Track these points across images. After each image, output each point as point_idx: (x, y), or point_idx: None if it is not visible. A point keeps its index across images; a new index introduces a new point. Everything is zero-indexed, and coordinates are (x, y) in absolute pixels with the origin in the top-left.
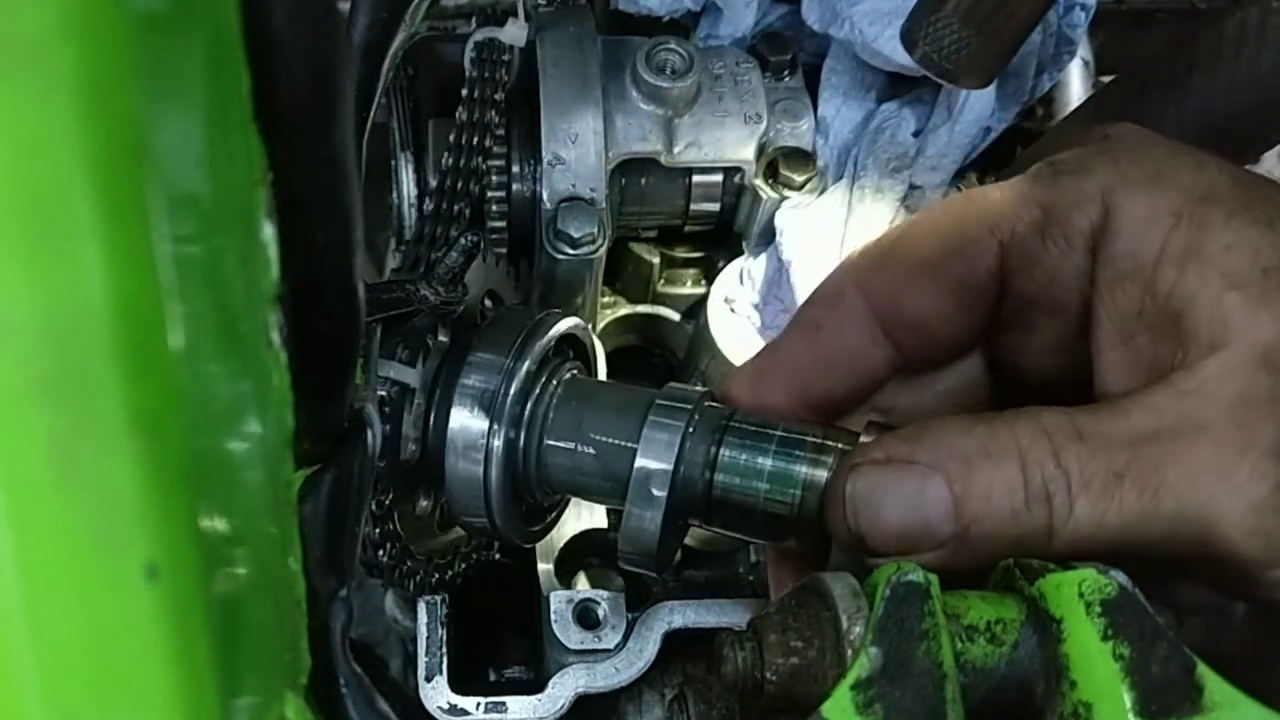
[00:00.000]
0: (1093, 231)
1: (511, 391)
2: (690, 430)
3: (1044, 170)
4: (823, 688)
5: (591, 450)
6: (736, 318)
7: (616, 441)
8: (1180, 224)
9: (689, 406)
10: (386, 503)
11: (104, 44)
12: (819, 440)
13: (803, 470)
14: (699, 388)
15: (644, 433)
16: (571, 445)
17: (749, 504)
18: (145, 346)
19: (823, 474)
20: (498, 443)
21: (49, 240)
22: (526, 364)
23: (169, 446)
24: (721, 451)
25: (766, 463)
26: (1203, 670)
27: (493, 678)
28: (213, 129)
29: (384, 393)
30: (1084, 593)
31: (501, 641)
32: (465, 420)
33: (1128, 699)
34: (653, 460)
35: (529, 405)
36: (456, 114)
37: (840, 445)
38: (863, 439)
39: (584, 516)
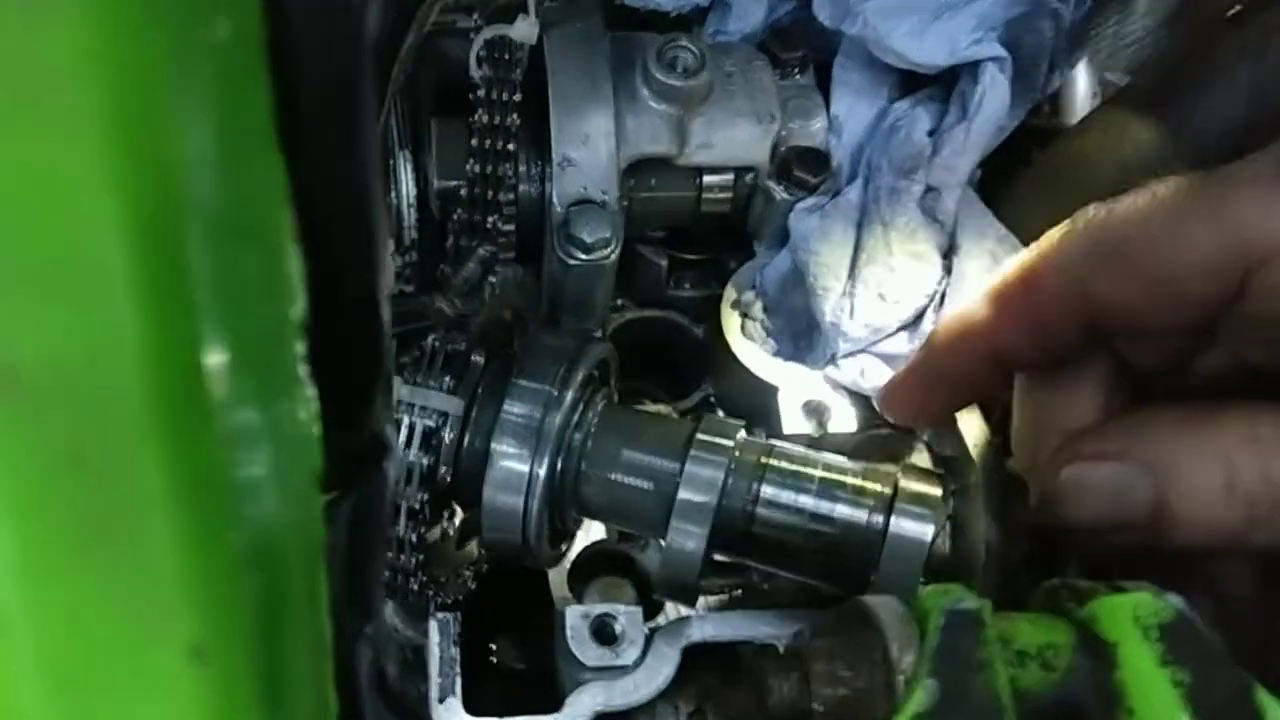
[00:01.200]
0: None
1: (557, 422)
2: (732, 466)
3: None
4: (872, 718)
5: (631, 481)
6: (749, 321)
7: (658, 474)
8: None
9: (731, 441)
10: (424, 532)
11: (139, 73)
12: (859, 481)
13: (843, 510)
14: (738, 421)
15: (686, 467)
16: (612, 475)
17: (788, 541)
18: (183, 407)
19: (863, 514)
20: (540, 472)
21: (75, 295)
22: (571, 393)
23: (214, 514)
24: (763, 489)
25: (808, 502)
26: (1262, 695)
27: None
28: (238, 152)
29: (430, 423)
30: (1139, 616)
31: (510, 644)
32: (508, 450)
33: None
34: (695, 494)
35: (569, 433)
36: (477, 116)
37: (879, 486)
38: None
39: (594, 528)
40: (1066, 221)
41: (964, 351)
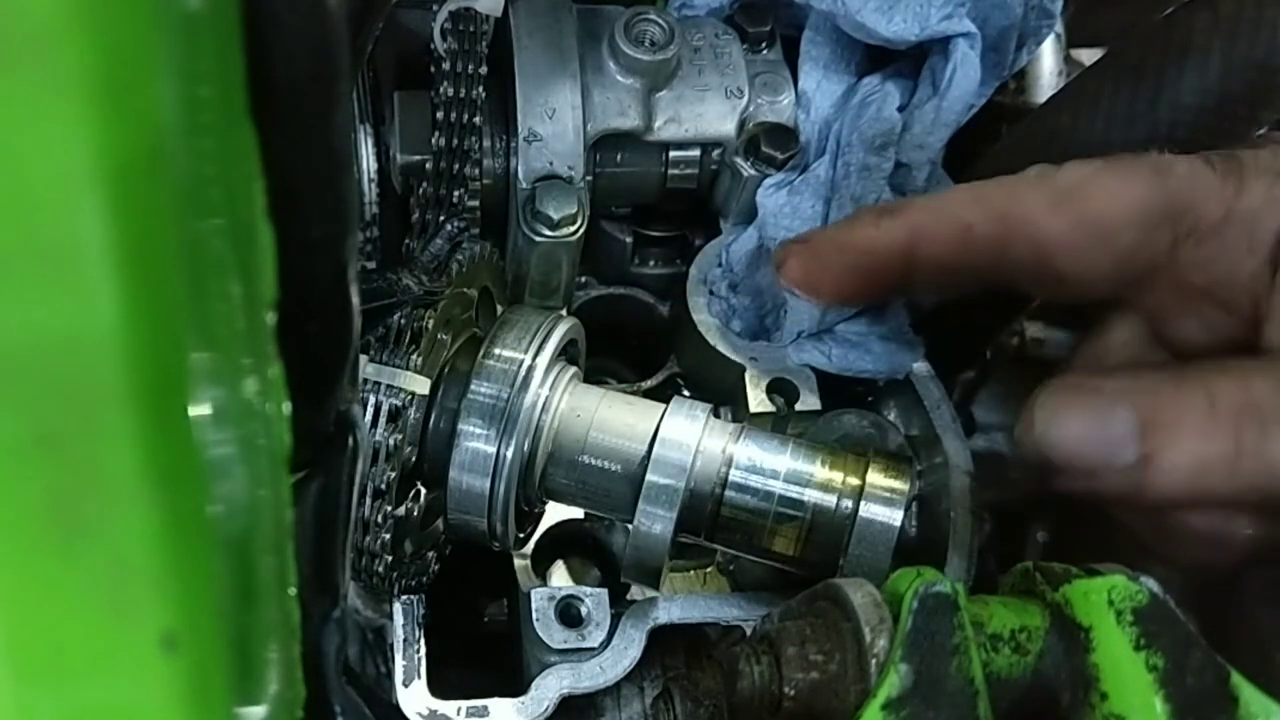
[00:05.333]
0: (1275, 241)
1: (524, 402)
2: (700, 449)
3: (1230, 164)
4: (844, 703)
5: (599, 463)
6: (716, 299)
7: (626, 456)
8: None
9: (699, 424)
10: (389, 513)
11: (120, 34)
12: (827, 465)
13: (812, 495)
14: (706, 403)
15: (655, 450)
16: (579, 457)
17: (756, 525)
18: (158, 387)
19: (831, 499)
20: (508, 454)
21: (50, 265)
22: (540, 372)
23: (187, 498)
24: (731, 473)
25: (777, 486)
26: (1237, 680)
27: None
28: (212, 123)
29: (396, 401)
30: (1114, 600)
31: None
32: (475, 430)
33: (1162, 711)
34: (663, 477)
35: (537, 413)
36: (441, 89)
37: (848, 471)
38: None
39: (559, 507)
40: (1026, 173)
41: (882, 239)
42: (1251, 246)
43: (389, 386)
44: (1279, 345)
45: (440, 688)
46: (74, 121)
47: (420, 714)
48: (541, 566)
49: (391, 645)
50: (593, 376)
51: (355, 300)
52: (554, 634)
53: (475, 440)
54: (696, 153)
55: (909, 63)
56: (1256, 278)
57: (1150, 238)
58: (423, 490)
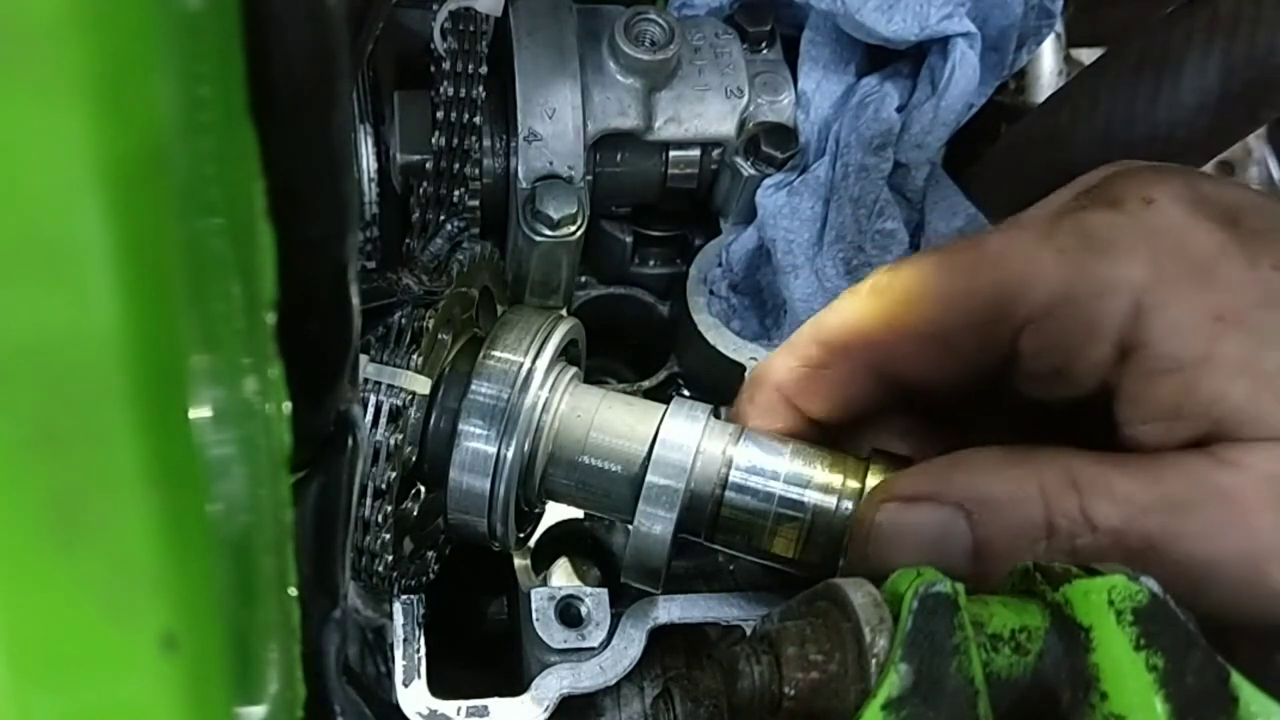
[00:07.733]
0: (1121, 327)
1: (525, 402)
2: (701, 450)
3: (1070, 236)
4: (844, 703)
5: (599, 464)
6: (716, 299)
7: (626, 457)
8: (1228, 331)
9: (699, 424)
10: (389, 513)
11: (120, 34)
12: (828, 466)
13: (812, 496)
14: (706, 404)
15: (655, 451)
16: (580, 458)
17: (756, 526)
18: (158, 387)
19: (832, 500)
20: (508, 454)
21: (49, 265)
22: (540, 372)
23: (187, 498)
24: (732, 474)
25: (777, 487)
26: (1237, 680)
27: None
28: (212, 123)
29: (396, 401)
30: (1114, 600)
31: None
32: (475, 430)
33: (1162, 711)
34: (663, 478)
35: (537, 413)
36: (441, 89)
37: (848, 472)
38: (871, 477)
39: (559, 507)
40: (861, 285)
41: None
42: (1093, 335)
43: (389, 386)
44: (1131, 427)
45: (440, 687)
46: (74, 121)
47: (420, 714)
48: (541, 566)
49: (391, 645)
50: (593, 376)
51: (355, 300)
52: (554, 634)
53: (475, 440)
54: (696, 152)
55: (908, 63)
56: (1103, 362)
57: (986, 339)
58: (423, 490)
